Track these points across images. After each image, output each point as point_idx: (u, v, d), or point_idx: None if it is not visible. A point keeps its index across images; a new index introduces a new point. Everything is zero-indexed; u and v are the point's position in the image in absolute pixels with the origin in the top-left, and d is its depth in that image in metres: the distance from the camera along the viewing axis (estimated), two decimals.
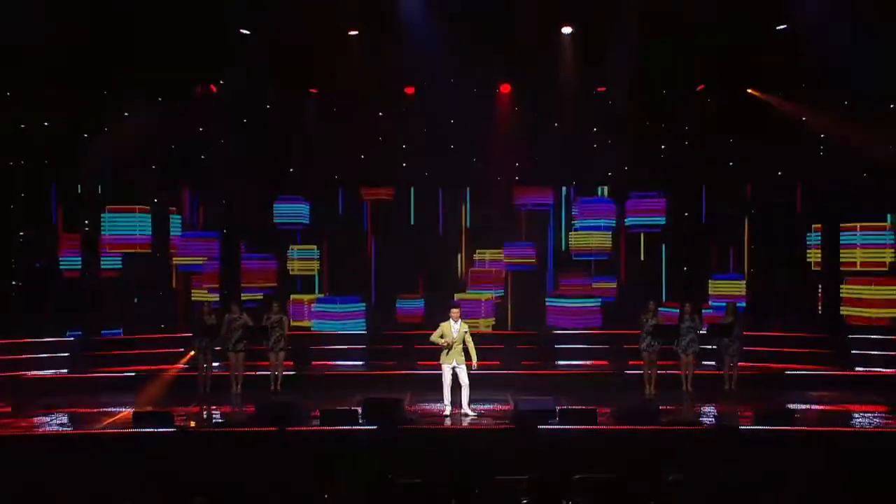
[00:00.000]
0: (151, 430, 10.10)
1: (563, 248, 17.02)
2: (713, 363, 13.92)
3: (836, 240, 15.06)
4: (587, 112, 15.95)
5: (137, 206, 15.57)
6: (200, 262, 16.25)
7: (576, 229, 16.73)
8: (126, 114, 14.69)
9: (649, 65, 14.59)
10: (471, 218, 17.24)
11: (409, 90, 16.06)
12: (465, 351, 11.22)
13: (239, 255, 16.39)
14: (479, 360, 11.28)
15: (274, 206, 16.70)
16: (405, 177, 17.07)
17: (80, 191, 15.57)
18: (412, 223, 17.30)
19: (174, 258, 16.35)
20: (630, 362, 14.13)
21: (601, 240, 16.51)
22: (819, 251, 15.37)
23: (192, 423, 11.17)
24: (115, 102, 14.57)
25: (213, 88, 15.55)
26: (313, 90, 16.26)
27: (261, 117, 16.13)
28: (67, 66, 13.62)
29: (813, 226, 15.52)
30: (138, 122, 14.48)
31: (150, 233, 15.73)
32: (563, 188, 17.20)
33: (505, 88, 16.05)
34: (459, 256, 17.34)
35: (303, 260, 17.00)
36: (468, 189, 17.30)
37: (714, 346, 13.59)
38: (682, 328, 12.91)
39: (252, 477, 8.04)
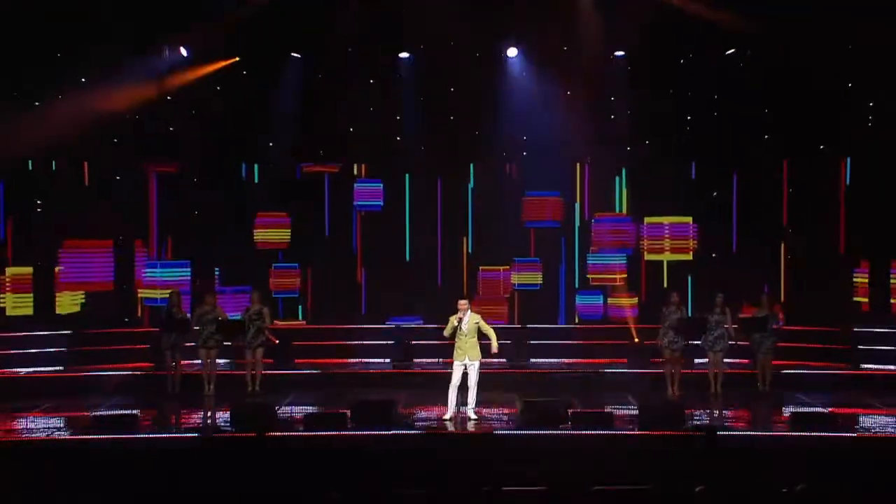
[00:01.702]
0: (113, 436, 10.06)
1: (577, 282, 16.78)
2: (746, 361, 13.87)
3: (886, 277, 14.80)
4: (603, 79, 15.85)
5: (99, 241, 15.30)
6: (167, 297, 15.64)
7: (592, 253, 16.61)
8: (84, 80, 14.55)
9: (672, 24, 14.46)
10: (474, 230, 16.92)
11: None
12: (478, 345, 11.15)
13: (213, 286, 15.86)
14: (484, 357, 11.27)
15: (256, 221, 16.38)
16: (399, 152, 16.85)
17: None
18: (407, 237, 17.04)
19: (140, 293, 15.86)
20: (652, 360, 14.12)
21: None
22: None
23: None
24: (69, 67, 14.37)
25: (183, 51, 15.40)
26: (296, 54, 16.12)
27: (235, 84, 15.97)
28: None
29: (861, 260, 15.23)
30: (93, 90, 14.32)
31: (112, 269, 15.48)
32: (579, 168, 16.97)
33: None
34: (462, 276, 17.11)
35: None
36: (471, 165, 17.12)
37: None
38: (711, 322, 12.85)
39: (227, 489, 8.00)
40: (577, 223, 16.86)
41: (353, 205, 16.73)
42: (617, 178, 16.73)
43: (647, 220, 16.33)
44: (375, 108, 16.50)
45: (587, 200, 16.87)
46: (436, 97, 16.32)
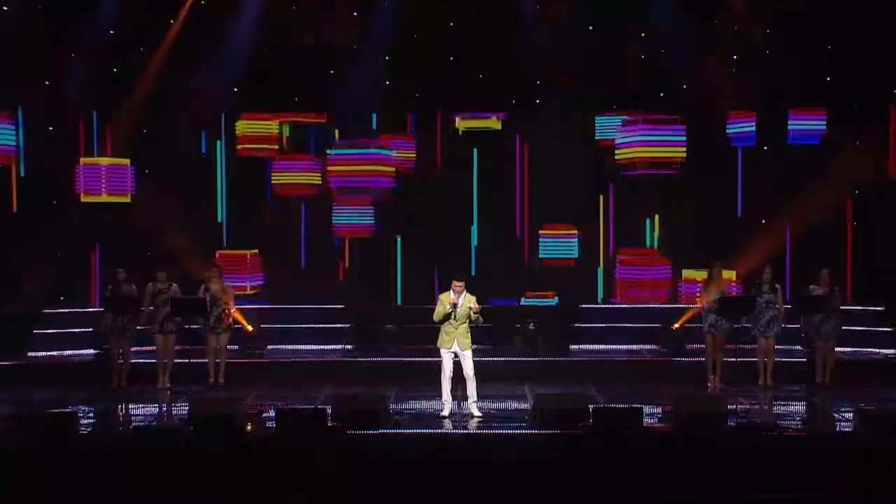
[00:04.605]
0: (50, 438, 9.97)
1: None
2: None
3: None
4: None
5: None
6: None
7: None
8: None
9: None
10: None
11: None
12: (470, 332, 11.15)
13: None
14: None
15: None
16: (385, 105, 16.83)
17: None
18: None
19: None
20: (688, 346, 14.20)
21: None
22: None
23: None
24: None
25: None
26: None
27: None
28: None
29: None
30: None
31: None
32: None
33: None
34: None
35: None
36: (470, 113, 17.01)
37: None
38: (759, 303, 12.83)
39: (186, 498, 7.99)
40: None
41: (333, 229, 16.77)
42: (648, 220, 16.95)
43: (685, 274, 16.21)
44: (359, 46, 16.45)
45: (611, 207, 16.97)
46: (429, 33, 16.23)
